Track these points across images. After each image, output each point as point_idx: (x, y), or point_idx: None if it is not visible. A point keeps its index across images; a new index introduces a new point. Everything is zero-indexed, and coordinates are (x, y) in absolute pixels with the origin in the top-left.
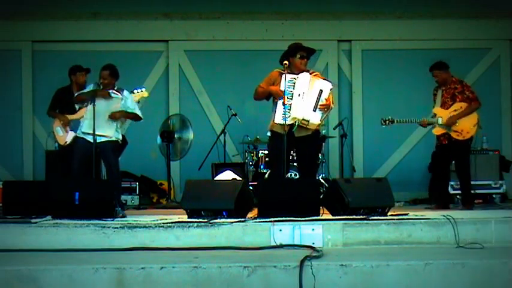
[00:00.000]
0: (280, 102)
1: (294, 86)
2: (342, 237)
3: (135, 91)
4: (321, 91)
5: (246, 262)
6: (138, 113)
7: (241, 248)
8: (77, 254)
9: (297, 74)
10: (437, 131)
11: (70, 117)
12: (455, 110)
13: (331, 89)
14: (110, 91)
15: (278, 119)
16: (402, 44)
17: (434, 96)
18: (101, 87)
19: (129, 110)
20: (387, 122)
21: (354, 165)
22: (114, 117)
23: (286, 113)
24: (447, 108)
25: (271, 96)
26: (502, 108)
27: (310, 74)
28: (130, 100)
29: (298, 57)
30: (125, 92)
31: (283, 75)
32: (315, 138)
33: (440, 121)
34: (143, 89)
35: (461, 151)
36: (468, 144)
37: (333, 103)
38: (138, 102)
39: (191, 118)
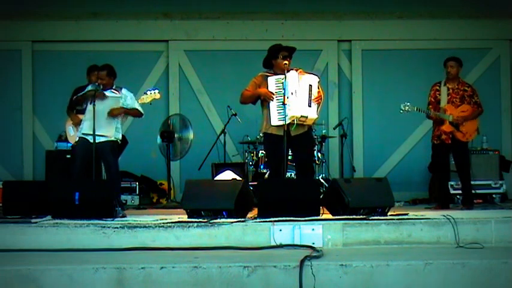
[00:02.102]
0: (272, 104)
1: (282, 86)
2: (342, 237)
3: (148, 92)
4: (311, 86)
5: (246, 262)
6: (139, 108)
7: (241, 248)
8: (77, 254)
9: (281, 74)
10: (447, 127)
11: (81, 117)
12: (462, 111)
13: (318, 82)
14: (107, 90)
15: (275, 121)
16: (402, 44)
17: (437, 92)
18: (100, 87)
19: (129, 107)
20: (407, 108)
21: (353, 165)
22: (112, 114)
23: (283, 112)
24: (456, 108)
25: (258, 100)
26: (502, 108)
27: (295, 71)
28: (129, 97)
29: (280, 57)
30: (124, 90)
31: (269, 78)
32: (310, 134)
33: (451, 118)
34: (156, 91)
35: (463, 151)
36: (467, 145)
37: (323, 93)
38: (150, 104)
39: (191, 118)
